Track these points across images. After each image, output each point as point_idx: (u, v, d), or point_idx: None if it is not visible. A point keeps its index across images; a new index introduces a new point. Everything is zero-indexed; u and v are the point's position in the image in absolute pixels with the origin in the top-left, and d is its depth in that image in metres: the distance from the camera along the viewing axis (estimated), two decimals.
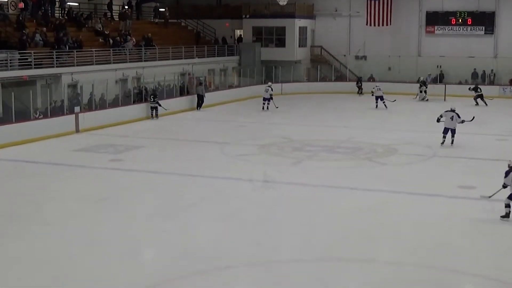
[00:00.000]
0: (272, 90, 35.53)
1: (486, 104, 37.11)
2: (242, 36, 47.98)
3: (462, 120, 24.35)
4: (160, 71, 35.72)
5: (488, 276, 11.88)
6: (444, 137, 24.29)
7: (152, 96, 32.29)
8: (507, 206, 15.07)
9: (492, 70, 44.64)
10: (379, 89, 36.58)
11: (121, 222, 14.92)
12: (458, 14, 45.54)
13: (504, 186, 15.28)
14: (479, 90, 38.30)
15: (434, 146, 24.37)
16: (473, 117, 25.62)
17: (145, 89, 33.95)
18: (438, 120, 24.64)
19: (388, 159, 22.49)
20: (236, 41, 47.76)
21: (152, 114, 31.92)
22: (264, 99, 35.26)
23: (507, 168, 15.18)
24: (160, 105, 31.92)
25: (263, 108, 35.16)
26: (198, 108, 35.67)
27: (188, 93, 36.61)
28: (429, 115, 30.48)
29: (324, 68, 47.14)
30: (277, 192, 17.90)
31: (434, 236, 14.05)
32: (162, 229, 14.39)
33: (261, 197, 17.39)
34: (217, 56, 44.08)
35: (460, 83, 43.96)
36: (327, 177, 19.54)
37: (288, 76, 44.85)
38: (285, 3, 43.14)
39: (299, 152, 23.47)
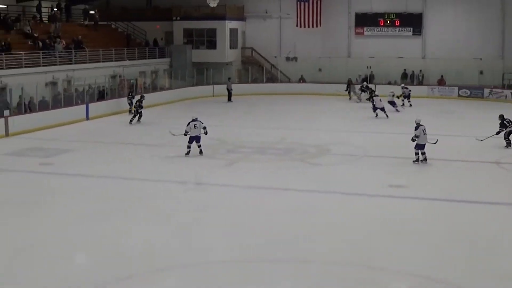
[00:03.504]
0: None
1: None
2: (163, 38, 47.96)
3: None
4: (90, 73, 35.30)
5: (415, 273, 12.02)
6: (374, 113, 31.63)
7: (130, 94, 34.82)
8: (416, 154, 21.06)
9: (420, 71, 45.51)
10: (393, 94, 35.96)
11: (52, 226, 14.71)
12: (386, 16, 46.41)
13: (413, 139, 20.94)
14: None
15: (365, 145, 24.77)
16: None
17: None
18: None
19: (321, 159, 22.73)
20: (165, 43, 47.57)
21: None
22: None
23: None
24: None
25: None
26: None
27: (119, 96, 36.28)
28: (361, 115, 31.16)
29: (255, 69, 47.35)
30: (209, 194, 17.94)
31: (366, 235, 14.24)
32: (95, 233, 14.22)
33: (193, 199, 17.38)
34: (148, 58, 43.91)
35: (389, 83, 44.67)
36: (259, 179, 19.56)
37: (220, 77, 44.84)
38: (215, 5, 43.15)
39: (232, 154, 23.48)
